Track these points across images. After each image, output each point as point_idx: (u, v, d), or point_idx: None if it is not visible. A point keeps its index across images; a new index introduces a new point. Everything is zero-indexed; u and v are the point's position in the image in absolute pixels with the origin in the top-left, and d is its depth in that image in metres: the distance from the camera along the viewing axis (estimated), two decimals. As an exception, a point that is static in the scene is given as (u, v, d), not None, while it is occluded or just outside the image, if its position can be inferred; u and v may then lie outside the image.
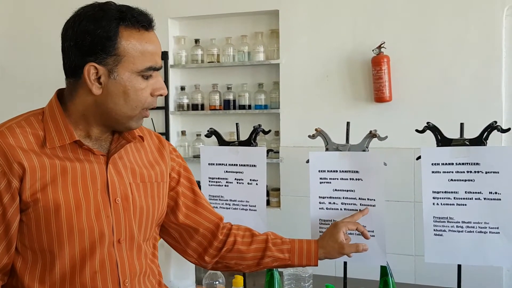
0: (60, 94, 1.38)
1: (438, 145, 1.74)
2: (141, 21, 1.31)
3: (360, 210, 1.77)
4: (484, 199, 1.68)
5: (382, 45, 3.38)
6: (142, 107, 1.35)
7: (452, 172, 1.71)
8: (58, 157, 1.30)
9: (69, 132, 1.32)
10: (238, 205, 1.92)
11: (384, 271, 1.80)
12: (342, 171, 1.79)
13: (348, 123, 1.88)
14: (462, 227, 1.70)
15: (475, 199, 1.69)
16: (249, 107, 3.88)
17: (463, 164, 1.69)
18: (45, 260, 1.28)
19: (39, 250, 1.28)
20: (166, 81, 3.99)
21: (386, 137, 1.79)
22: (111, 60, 1.29)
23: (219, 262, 1.64)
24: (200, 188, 1.96)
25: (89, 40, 1.28)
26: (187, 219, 1.58)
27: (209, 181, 1.96)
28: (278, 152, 3.74)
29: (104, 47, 1.28)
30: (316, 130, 1.85)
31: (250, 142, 1.92)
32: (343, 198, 1.80)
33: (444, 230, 1.71)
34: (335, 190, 1.80)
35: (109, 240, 1.33)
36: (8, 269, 1.30)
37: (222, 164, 1.94)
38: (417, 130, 1.78)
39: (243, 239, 1.63)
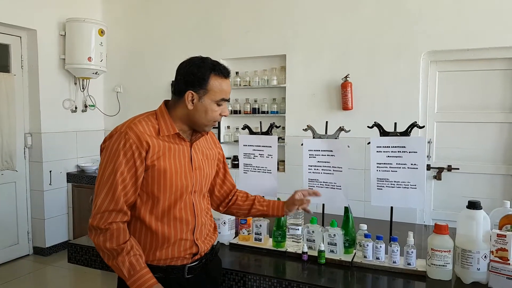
0: (165, 103, 1.37)
1: (381, 135, 1.72)
2: (224, 72, 1.30)
3: (332, 175, 1.75)
4: (407, 168, 1.66)
5: (347, 76, 3.34)
6: (213, 121, 1.34)
7: (389, 152, 1.68)
8: (166, 141, 1.30)
9: (173, 127, 1.31)
10: (260, 170, 1.92)
11: (346, 210, 1.78)
12: (323, 150, 1.79)
13: (326, 122, 1.86)
14: (394, 185, 1.68)
15: (402, 168, 1.67)
16: (267, 112, 3.86)
17: (395, 147, 1.67)
18: (153, 201, 1.29)
19: (151, 194, 1.28)
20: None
21: (349, 130, 1.78)
22: (202, 91, 1.29)
23: (227, 210, 1.62)
24: (238, 159, 1.95)
25: (192, 78, 1.28)
26: (217, 186, 1.59)
27: (244, 155, 1.96)
28: (284, 139, 3.72)
29: (200, 83, 1.28)
30: (307, 126, 1.85)
31: (268, 133, 1.92)
32: (323, 166, 1.79)
33: (383, 186, 1.69)
34: (318, 162, 1.79)
35: (189, 191, 1.34)
36: (133, 204, 1.30)
37: (251, 145, 1.94)
38: (368, 126, 1.76)
39: (241, 198, 1.61)
